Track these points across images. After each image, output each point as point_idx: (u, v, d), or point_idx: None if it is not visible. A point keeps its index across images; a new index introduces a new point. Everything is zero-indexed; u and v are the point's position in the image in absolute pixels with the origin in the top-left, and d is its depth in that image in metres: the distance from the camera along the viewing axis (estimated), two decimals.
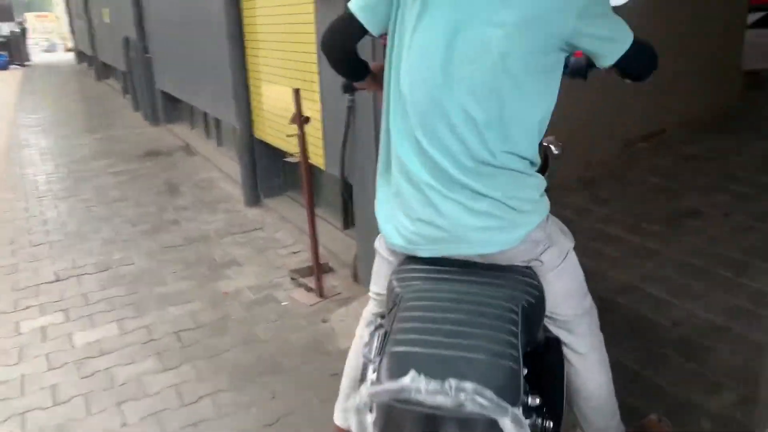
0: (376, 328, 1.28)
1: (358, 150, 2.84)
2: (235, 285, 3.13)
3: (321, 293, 2.93)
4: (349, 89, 1.65)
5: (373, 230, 2.96)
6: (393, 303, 1.24)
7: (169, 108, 7.19)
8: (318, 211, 3.77)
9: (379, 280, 1.49)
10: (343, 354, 2.54)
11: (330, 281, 3.05)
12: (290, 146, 3.65)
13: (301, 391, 2.24)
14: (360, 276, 3.04)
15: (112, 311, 2.91)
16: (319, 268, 2.93)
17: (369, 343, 1.23)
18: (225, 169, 5.12)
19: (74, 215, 4.36)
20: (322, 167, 3.24)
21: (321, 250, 2.98)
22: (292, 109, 2.71)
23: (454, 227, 1.23)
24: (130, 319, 2.82)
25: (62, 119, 8.54)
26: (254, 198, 4.32)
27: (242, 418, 2.11)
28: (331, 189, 3.59)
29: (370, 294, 1.57)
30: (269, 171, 4.29)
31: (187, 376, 2.36)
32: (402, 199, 1.28)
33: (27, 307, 3.00)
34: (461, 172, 1.21)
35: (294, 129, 2.77)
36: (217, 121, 5.65)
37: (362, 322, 1.63)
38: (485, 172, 1.21)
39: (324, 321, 2.73)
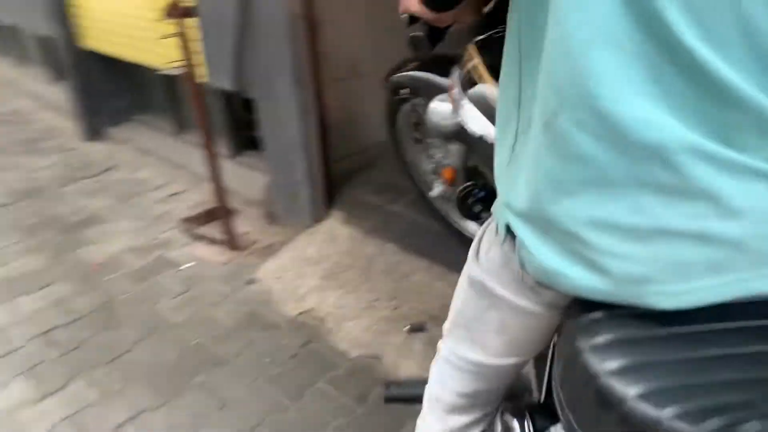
0: None
1: (262, 49, 2.11)
2: (107, 251, 2.33)
3: (233, 245, 2.26)
4: (434, 37, 1.04)
5: (289, 152, 2.32)
6: None
7: None
8: (188, 137, 2.98)
9: (488, 340, 0.80)
10: (295, 323, 1.94)
11: (238, 227, 2.38)
12: (140, 53, 2.76)
13: (259, 389, 1.65)
14: (276, 215, 2.40)
15: None
16: (226, 212, 2.24)
17: None
18: (40, 95, 3.94)
19: None
20: (204, 78, 2.43)
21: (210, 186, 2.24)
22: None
23: (759, 235, 0.52)
24: None
25: None
26: (94, 129, 3.33)
27: None
28: (209, 106, 2.79)
29: (451, 357, 0.87)
30: (110, 91, 3.29)
31: (85, 399, 1.64)
32: (599, 191, 0.55)
33: None
34: None
35: (159, 29, 1.95)
36: (13, 30, 4.30)
37: (438, 407, 0.92)
38: None
39: (250, 282, 2.10)
